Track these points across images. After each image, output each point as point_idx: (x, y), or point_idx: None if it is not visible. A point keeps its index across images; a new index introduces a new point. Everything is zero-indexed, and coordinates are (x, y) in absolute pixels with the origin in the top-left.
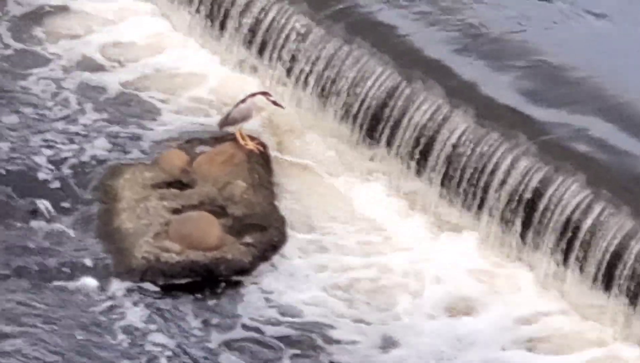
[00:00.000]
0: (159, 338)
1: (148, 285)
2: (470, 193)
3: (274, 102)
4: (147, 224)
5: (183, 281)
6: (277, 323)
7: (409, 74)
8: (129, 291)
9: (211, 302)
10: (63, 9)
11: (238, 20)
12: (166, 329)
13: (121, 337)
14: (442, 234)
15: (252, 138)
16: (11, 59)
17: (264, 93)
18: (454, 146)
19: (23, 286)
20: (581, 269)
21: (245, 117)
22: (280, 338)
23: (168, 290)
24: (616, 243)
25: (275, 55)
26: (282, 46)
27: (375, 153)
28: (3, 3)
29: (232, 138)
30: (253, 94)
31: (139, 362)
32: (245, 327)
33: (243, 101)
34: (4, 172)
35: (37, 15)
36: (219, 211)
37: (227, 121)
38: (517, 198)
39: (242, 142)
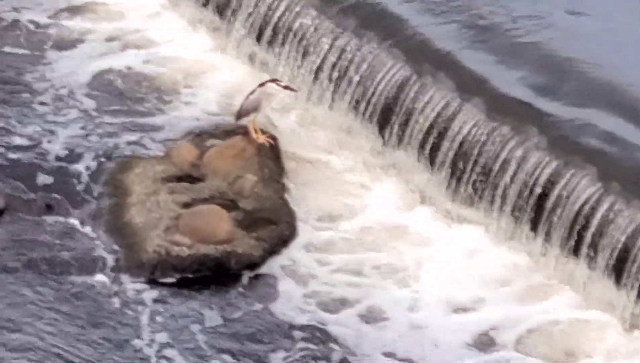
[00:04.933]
0: (169, 332)
1: (158, 279)
2: (480, 186)
3: (286, 87)
4: (157, 218)
5: (193, 275)
6: (287, 318)
7: (419, 68)
8: (140, 285)
9: (221, 296)
10: (70, 7)
11: (248, 13)
12: (176, 323)
13: (131, 330)
14: (453, 228)
15: (263, 132)
16: (22, 53)
17: (274, 80)
18: (464, 140)
19: (33, 280)
20: (591, 262)
21: (256, 108)
22: (290, 332)
23: (178, 284)
24: (627, 236)
25: (285, 49)
26: (293, 40)
27: (386, 146)
28: None
29: (243, 132)
30: (262, 83)
31: (149, 356)
32: (255, 320)
33: (253, 91)
34: (15, 166)
35: (48, 8)
36: (230, 205)
37: (240, 113)
38: (527, 191)
39: (253, 135)
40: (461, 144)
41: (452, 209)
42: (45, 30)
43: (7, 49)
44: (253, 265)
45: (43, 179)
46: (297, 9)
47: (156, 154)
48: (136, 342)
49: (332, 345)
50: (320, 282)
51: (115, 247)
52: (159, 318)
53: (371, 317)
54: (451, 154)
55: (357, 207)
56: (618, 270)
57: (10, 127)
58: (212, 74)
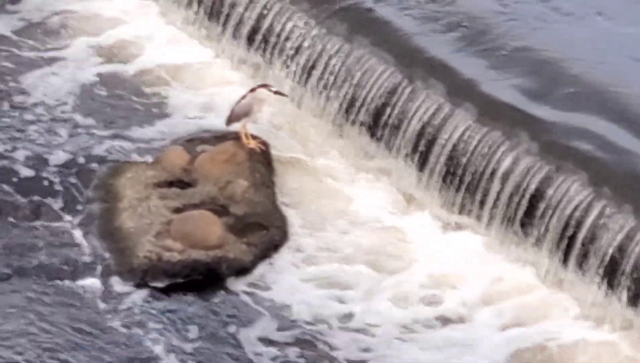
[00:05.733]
0: (160, 337)
1: (150, 284)
2: (471, 191)
3: (277, 92)
4: (148, 223)
5: (184, 280)
6: (278, 322)
7: (410, 73)
8: (131, 290)
9: (212, 301)
10: (67, 10)
11: (240, 18)
12: (167, 328)
13: (122, 336)
14: (443, 233)
15: (254, 137)
16: (14, 59)
17: (265, 85)
18: (455, 145)
19: (25, 286)
20: (582, 267)
21: (247, 113)
22: (281, 337)
23: (169, 289)
24: (618, 241)
25: (276, 54)
26: (284, 45)
27: (377, 151)
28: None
29: (234, 137)
30: (253, 89)
31: (140, 360)
32: (245, 326)
33: (244, 97)
34: (6, 171)
35: (41, 15)
36: (221, 210)
37: (231, 118)
38: (518, 196)
39: (244, 140)
40: (452, 149)
41: (443, 214)
42: (37, 34)
43: None
44: (244, 270)
45: (34, 184)
46: (288, 14)
47: (147, 159)
48: (126, 347)
49: (322, 350)
50: (310, 288)
51: (107, 252)
52: (149, 323)
53: (364, 321)
54: (442, 159)
55: (348, 212)
56: (609, 275)
57: (0, 134)
58: (203, 79)
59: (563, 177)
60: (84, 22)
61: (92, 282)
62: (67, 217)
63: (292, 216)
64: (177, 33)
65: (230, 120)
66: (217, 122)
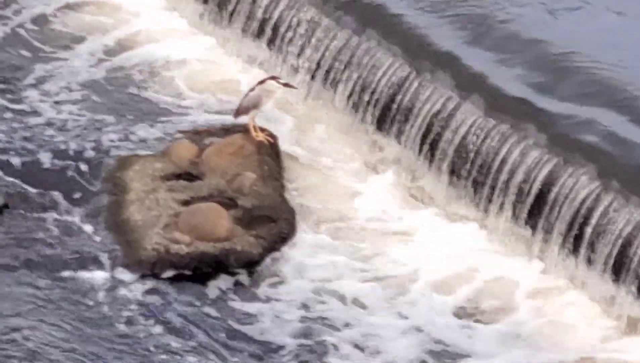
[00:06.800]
0: (167, 328)
1: (157, 276)
2: (479, 184)
3: (285, 84)
4: (156, 215)
5: (192, 272)
6: (286, 315)
7: (418, 66)
8: (138, 282)
9: (220, 294)
10: (74, 5)
11: (248, 11)
12: (174, 320)
13: (130, 328)
14: (451, 226)
15: (262, 130)
16: (21, 54)
17: (273, 78)
18: (463, 138)
19: (32, 278)
20: (590, 259)
21: (256, 105)
22: (289, 330)
23: (177, 281)
24: (626, 234)
25: (284, 47)
26: (292, 38)
27: (385, 144)
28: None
29: (242, 130)
30: (262, 81)
31: (148, 352)
32: (254, 318)
33: (252, 89)
34: (14, 164)
35: (47, 11)
36: (229, 203)
37: (240, 110)
38: (526, 189)
39: (253, 132)
40: (460, 142)
41: (451, 207)
42: (44, 28)
43: (8, 45)
44: (252, 262)
45: (42, 176)
46: (297, 6)
47: (155, 152)
48: (134, 339)
49: (331, 342)
50: (318, 280)
51: (114, 244)
52: (157, 315)
53: (372, 315)
54: (450, 152)
55: (356, 205)
56: (617, 267)
57: (9, 126)
58: (212, 71)
59: (571, 169)
60: (93, 16)
61: (99, 274)
62: (75, 209)
63: (300, 209)
64: (185, 27)
65: (238, 112)
66: (225, 114)
